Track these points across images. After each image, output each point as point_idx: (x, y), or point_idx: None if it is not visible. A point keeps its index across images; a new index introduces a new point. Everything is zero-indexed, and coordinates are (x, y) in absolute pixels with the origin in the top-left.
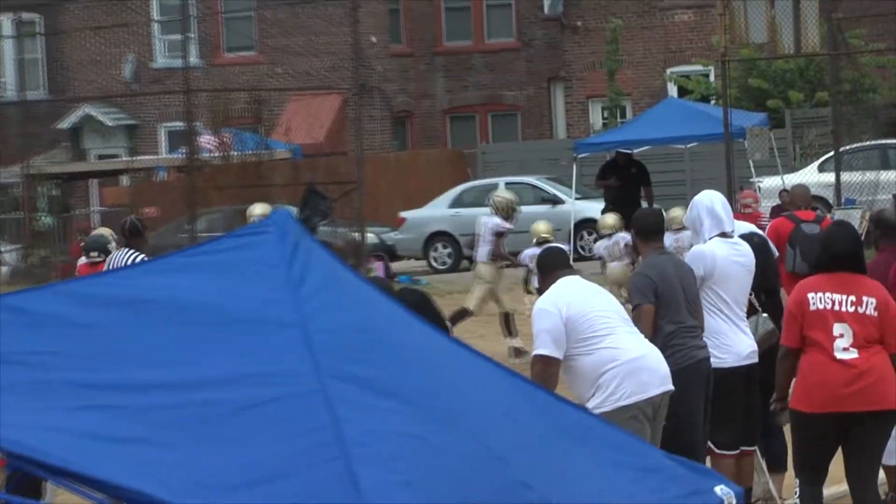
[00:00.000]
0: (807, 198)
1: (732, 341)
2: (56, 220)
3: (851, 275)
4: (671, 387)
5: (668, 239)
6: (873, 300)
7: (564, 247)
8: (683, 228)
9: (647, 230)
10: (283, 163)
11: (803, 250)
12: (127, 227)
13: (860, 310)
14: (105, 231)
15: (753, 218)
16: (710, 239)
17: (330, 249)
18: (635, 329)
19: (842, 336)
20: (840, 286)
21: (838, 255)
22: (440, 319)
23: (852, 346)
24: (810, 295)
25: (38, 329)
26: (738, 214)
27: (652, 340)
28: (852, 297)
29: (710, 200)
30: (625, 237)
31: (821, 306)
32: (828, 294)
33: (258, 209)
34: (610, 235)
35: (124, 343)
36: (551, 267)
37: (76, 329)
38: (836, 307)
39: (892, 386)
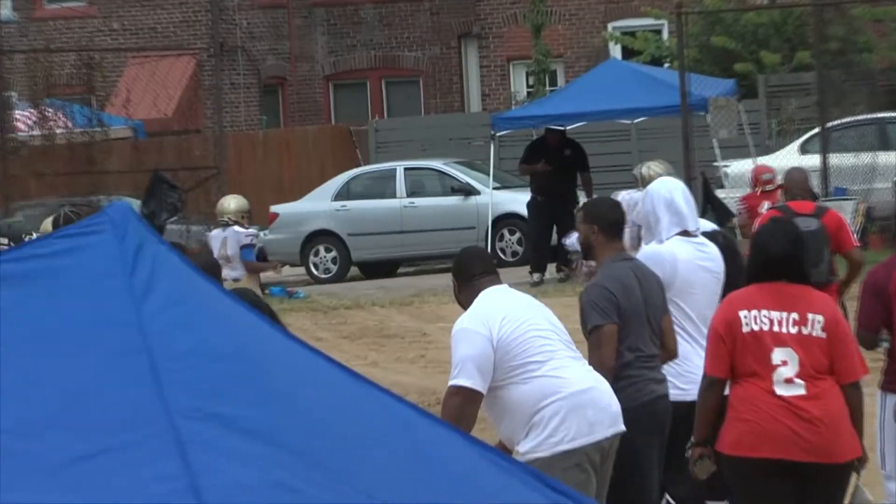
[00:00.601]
0: (804, 185)
1: (697, 368)
2: None
3: (792, 285)
4: (622, 427)
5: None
6: (820, 318)
7: None
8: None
9: (611, 225)
10: (121, 143)
11: None
12: None
13: (804, 330)
14: None
15: (775, 197)
16: (668, 238)
17: (182, 253)
18: (579, 354)
19: (784, 364)
20: (778, 301)
21: (773, 259)
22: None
23: (797, 376)
24: (742, 313)
25: None
26: (758, 195)
27: (601, 370)
28: (794, 315)
29: (669, 191)
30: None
31: (756, 327)
32: (764, 312)
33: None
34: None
35: None
36: (471, 273)
37: None
38: (776, 328)
39: (846, 434)
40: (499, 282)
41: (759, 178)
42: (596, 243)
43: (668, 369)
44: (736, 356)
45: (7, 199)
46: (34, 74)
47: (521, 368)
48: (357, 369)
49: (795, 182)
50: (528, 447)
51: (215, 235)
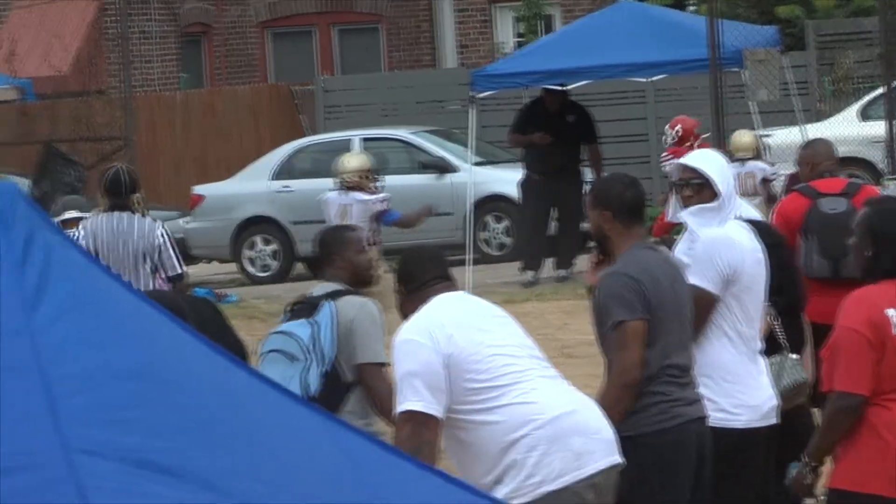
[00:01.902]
0: (830, 157)
1: (748, 387)
2: None
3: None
4: (619, 459)
5: (733, 170)
6: None
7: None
8: (752, 157)
9: (626, 208)
10: (4, 107)
11: (822, 240)
12: None
13: None
14: None
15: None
16: (725, 221)
17: (81, 247)
18: (556, 373)
19: None
20: None
21: None
22: (235, 343)
23: None
24: (890, 312)
25: None
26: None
27: (625, 378)
28: None
29: (721, 162)
30: (763, 168)
31: None
32: None
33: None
34: (743, 161)
35: None
36: (421, 279)
37: None
38: None
39: None
40: (454, 289)
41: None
42: (611, 232)
43: (711, 386)
44: (885, 366)
45: None
46: None
47: (480, 395)
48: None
49: (820, 155)
50: (504, 493)
51: (332, 200)
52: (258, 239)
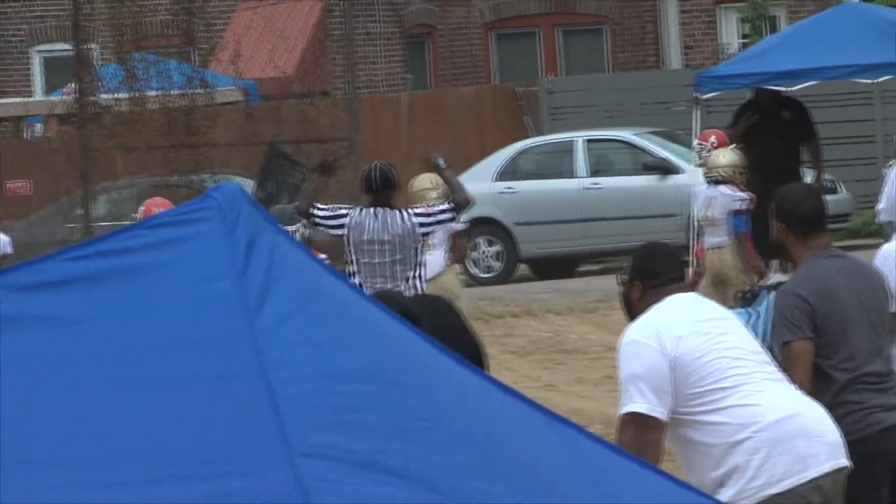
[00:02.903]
0: None
1: None
2: None
3: None
4: (845, 462)
5: None
6: None
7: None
8: None
9: (802, 220)
10: (229, 108)
11: None
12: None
13: None
14: None
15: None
16: None
17: (306, 247)
18: (779, 373)
19: None
20: None
21: None
22: (472, 342)
23: None
24: None
25: None
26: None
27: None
28: None
29: None
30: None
31: None
32: None
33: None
34: (717, 183)
35: None
36: (661, 274)
37: None
38: None
39: None
40: (687, 289)
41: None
42: (788, 243)
43: None
44: None
45: (86, 178)
46: (119, 22)
47: (704, 397)
48: (528, 393)
49: None
50: (728, 496)
51: (701, 193)
52: (481, 240)
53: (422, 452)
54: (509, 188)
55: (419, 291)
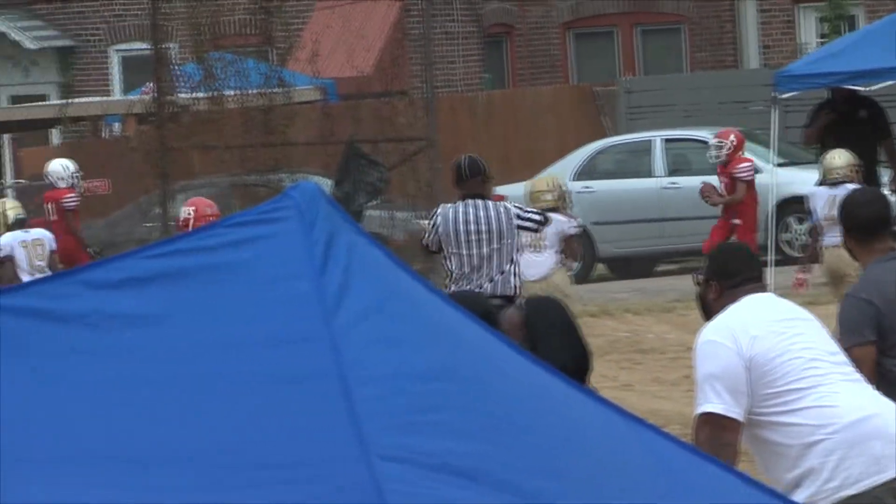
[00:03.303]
0: None
1: None
2: None
3: None
4: None
5: None
6: None
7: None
8: None
9: (864, 226)
10: (307, 108)
11: None
12: None
13: None
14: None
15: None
16: None
17: (384, 246)
18: (856, 374)
19: None
20: None
21: None
22: (580, 346)
23: None
24: None
25: None
26: None
27: None
28: None
29: None
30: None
31: None
32: None
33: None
34: (835, 184)
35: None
36: (739, 274)
37: None
38: None
39: None
40: (764, 290)
41: None
42: (852, 247)
43: None
44: None
45: (165, 177)
46: (197, 21)
47: (780, 398)
48: (605, 393)
49: None
50: (803, 497)
51: (820, 193)
52: None
53: (498, 453)
54: (587, 188)
55: (512, 286)
